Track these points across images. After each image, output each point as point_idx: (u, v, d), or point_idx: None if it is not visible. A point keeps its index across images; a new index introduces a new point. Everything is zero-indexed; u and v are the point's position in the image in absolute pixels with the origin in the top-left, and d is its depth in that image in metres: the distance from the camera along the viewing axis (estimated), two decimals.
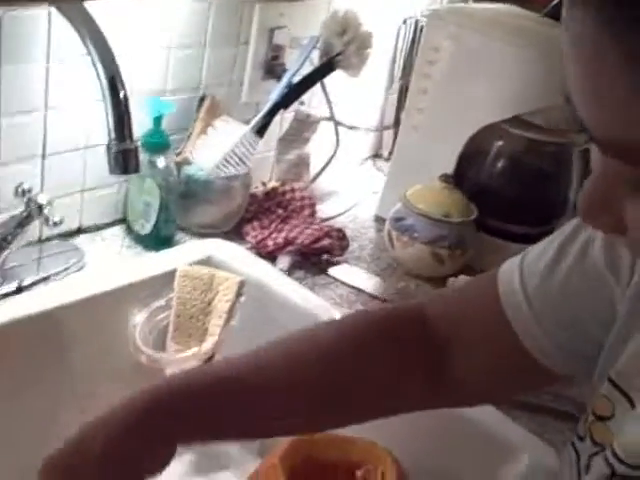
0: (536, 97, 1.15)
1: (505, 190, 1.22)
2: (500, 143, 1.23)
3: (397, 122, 1.46)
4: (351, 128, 1.41)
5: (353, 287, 1.10)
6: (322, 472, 0.82)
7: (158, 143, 1.06)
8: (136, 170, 0.80)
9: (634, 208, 0.42)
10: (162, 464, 0.62)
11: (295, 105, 1.24)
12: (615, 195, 0.43)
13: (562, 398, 0.94)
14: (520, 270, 0.66)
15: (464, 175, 1.22)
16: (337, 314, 1.01)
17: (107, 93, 0.73)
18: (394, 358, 0.68)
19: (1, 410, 0.87)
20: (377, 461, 0.81)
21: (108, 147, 0.76)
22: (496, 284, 0.67)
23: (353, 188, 1.39)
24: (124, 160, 0.77)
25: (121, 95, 0.73)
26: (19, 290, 0.94)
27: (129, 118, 0.75)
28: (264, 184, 1.25)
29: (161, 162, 1.06)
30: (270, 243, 1.11)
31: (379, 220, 1.29)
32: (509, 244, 1.19)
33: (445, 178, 1.16)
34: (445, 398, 0.71)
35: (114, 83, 0.73)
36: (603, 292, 0.60)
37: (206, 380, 0.64)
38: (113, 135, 0.74)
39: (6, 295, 0.93)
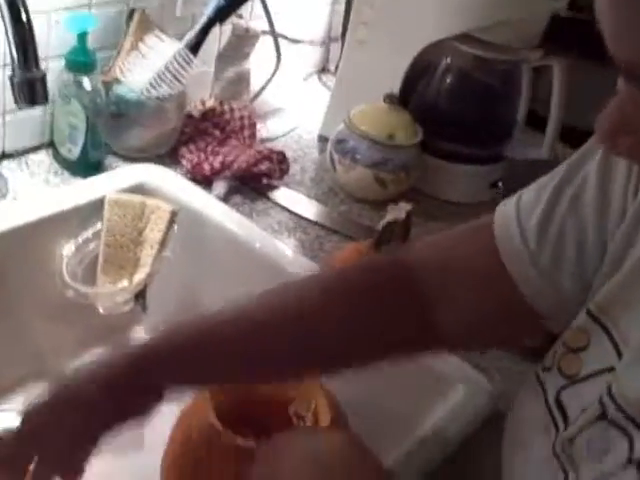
0: (486, 13, 1.10)
1: (452, 110, 1.18)
2: (448, 60, 1.18)
3: (344, 34, 1.39)
4: (294, 42, 1.34)
5: (293, 213, 1.06)
6: (254, 407, 0.80)
7: (83, 62, 0.99)
8: (44, 101, 0.74)
9: None
10: (149, 411, 0.63)
11: (233, 18, 1.17)
12: (637, 119, 0.44)
13: None
14: (517, 213, 0.63)
15: (410, 94, 1.17)
16: (276, 242, 0.98)
17: (6, 16, 0.66)
18: (382, 314, 0.67)
19: None
20: (310, 395, 0.79)
21: (11, 77, 0.70)
22: (490, 228, 0.64)
23: (297, 106, 1.34)
24: (30, 90, 0.71)
25: (23, 18, 0.67)
26: None
27: (33, 43, 0.69)
28: (203, 103, 1.19)
29: (87, 82, 0.99)
30: (206, 167, 1.06)
31: (323, 140, 1.24)
32: (455, 166, 1.16)
33: (390, 98, 1.11)
34: (436, 345, 0.70)
35: (13, 3, 0.66)
36: (595, 234, 0.59)
37: (189, 332, 0.65)
38: (16, 63, 0.68)
39: None
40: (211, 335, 0.65)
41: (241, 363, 0.65)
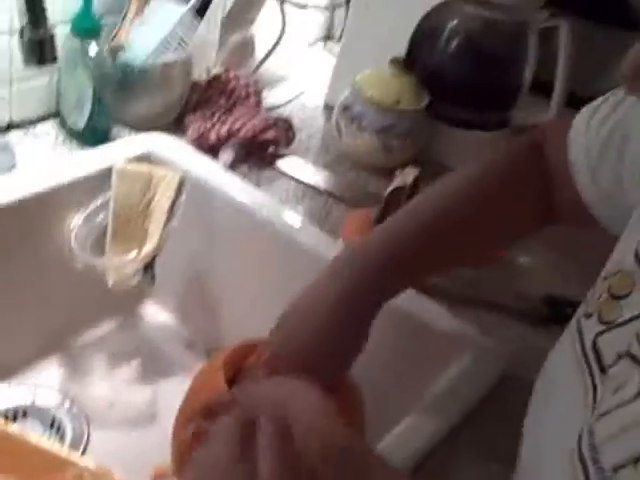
0: None
1: (458, 74, 1.16)
2: (454, 23, 1.16)
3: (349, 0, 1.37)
4: (300, 7, 1.33)
5: (300, 181, 1.06)
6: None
7: (88, 28, 0.98)
8: (53, 60, 0.73)
9: None
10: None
11: None
12: None
13: (522, 297, 0.93)
14: (588, 121, 0.70)
15: (416, 58, 1.16)
16: (283, 210, 0.98)
17: None
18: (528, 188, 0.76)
19: None
20: None
21: (21, 35, 0.69)
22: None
23: (302, 73, 1.33)
24: (39, 49, 0.70)
25: None
26: None
27: (41, 2, 0.67)
28: (208, 71, 1.18)
29: (93, 49, 0.98)
30: (212, 136, 1.06)
31: (328, 108, 1.24)
32: (462, 132, 1.16)
33: (396, 62, 1.10)
34: (558, 220, 0.78)
35: None
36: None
37: (410, 228, 0.72)
38: (25, 20, 0.67)
39: None
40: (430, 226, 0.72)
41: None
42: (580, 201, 0.71)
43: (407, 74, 1.11)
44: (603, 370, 0.57)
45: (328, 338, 0.68)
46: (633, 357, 0.53)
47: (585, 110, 0.71)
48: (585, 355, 0.59)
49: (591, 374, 0.58)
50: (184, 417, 0.74)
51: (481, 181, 0.77)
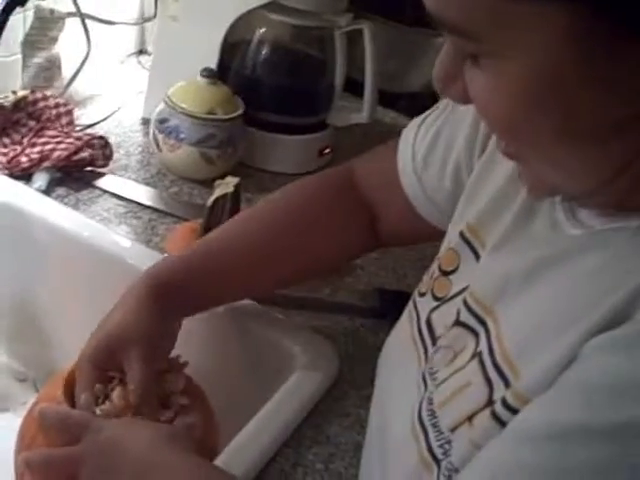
0: None
1: (270, 81, 1.18)
2: (262, 30, 1.18)
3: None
4: (107, 23, 1.30)
5: (122, 198, 1.04)
6: None
7: None
8: None
9: (472, 79, 0.47)
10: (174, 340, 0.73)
11: (34, 1, 1.12)
12: (460, 69, 0.48)
13: (339, 291, 0.96)
14: (415, 132, 0.74)
15: (229, 68, 1.17)
16: (105, 230, 0.96)
17: None
18: (337, 222, 0.81)
19: None
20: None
21: None
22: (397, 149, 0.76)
23: (116, 89, 1.30)
24: None
25: None
26: None
27: None
28: (14, 93, 1.13)
29: None
30: (24, 160, 1.01)
31: (146, 123, 1.22)
32: (281, 137, 1.18)
33: (207, 73, 1.10)
34: (382, 242, 0.84)
35: None
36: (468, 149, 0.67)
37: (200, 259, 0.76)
38: None
39: None
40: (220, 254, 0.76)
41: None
42: (409, 209, 0.75)
43: (220, 84, 1.12)
44: (435, 342, 0.60)
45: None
46: (464, 324, 0.57)
47: (413, 122, 0.76)
48: (420, 331, 0.63)
49: (425, 347, 0.62)
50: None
51: (292, 212, 0.81)
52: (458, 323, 0.58)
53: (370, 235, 0.82)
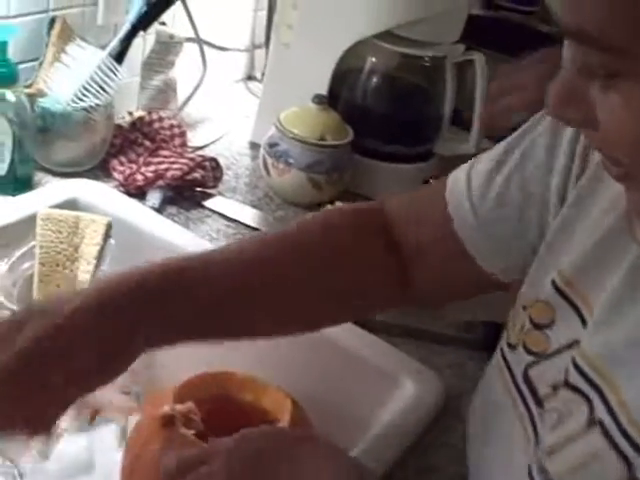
0: (407, 9, 1.12)
1: (380, 109, 1.19)
2: (373, 59, 1.19)
3: (268, 41, 1.39)
4: (220, 49, 1.34)
5: (230, 219, 1.05)
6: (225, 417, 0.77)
7: (4, 73, 0.96)
8: None
9: (603, 100, 0.44)
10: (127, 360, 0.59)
11: (156, 26, 1.16)
12: (585, 89, 0.45)
13: (445, 321, 0.94)
14: (468, 175, 0.67)
15: (338, 95, 1.18)
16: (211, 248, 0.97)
17: None
18: (362, 259, 0.70)
19: None
20: (278, 405, 0.76)
21: None
22: (445, 189, 0.69)
23: (226, 113, 1.33)
24: None
25: None
26: None
27: None
28: (130, 114, 1.17)
29: (11, 95, 0.97)
30: (139, 178, 1.05)
31: (254, 146, 1.24)
32: (387, 165, 1.18)
33: (319, 99, 1.12)
34: (408, 298, 0.73)
35: None
36: (542, 195, 0.62)
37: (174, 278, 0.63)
38: None
39: None
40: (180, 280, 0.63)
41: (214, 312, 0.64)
42: (457, 250, 0.68)
43: (330, 111, 1.13)
44: (539, 403, 0.57)
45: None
46: (573, 387, 0.54)
47: (460, 170, 0.70)
48: (518, 388, 0.59)
49: (527, 407, 0.58)
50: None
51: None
52: (567, 385, 0.54)
53: (399, 285, 0.71)
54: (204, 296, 0.63)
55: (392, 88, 1.21)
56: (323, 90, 1.15)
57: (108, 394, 1.03)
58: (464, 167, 0.69)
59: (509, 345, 0.62)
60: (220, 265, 0.65)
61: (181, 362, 0.98)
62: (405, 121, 1.20)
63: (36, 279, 0.91)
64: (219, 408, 0.74)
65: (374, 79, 1.19)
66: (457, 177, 0.69)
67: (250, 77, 1.48)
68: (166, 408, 0.70)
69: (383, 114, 1.19)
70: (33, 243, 0.92)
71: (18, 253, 0.92)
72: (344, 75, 1.18)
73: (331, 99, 1.14)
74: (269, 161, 1.12)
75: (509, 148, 0.66)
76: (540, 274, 0.61)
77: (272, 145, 1.12)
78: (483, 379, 0.67)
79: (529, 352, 0.59)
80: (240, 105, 1.37)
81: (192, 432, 0.68)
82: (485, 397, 0.66)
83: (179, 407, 0.70)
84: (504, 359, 0.62)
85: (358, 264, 0.69)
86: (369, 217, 0.73)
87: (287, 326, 0.69)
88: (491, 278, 0.68)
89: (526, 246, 0.65)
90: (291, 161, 1.10)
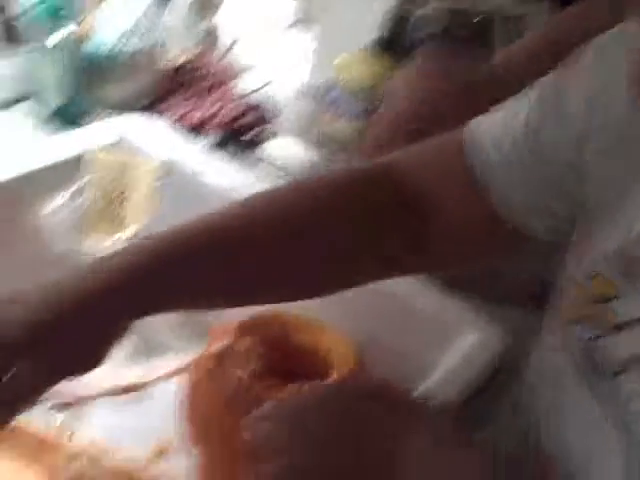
0: None
1: None
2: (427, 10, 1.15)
3: None
4: None
5: (281, 163, 1.04)
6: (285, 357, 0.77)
7: (57, 11, 0.95)
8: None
9: None
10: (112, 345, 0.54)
11: None
12: None
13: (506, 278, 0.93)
14: (487, 117, 0.62)
15: (395, 42, 1.14)
16: None
17: None
18: (370, 222, 0.62)
19: None
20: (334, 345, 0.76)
21: None
22: (461, 138, 0.62)
23: (278, 57, 1.30)
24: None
25: None
26: None
27: None
28: (177, 57, 1.15)
29: (63, 33, 0.95)
30: (191, 119, 1.03)
31: (306, 92, 1.22)
32: None
33: (375, 46, 1.09)
34: (424, 262, 0.66)
35: None
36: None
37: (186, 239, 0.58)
38: None
39: None
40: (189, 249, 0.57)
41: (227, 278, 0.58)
42: (478, 211, 0.62)
43: (386, 58, 1.10)
44: (611, 375, 0.54)
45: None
46: None
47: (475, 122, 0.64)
48: (585, 360, 0.56)
49: (597, 381, 0.55)
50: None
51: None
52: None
53: (414, 247, 0.64)
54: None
55: (443, 40, 1.17)
56: (380, 36, 1.12)
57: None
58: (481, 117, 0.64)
59: (570, 320, 0.58)
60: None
61: None
62: None
63: (87, 217, 0.90)
64: (278, 348, 0.73)
65: (428, 29, 1.16)
66: (476, 121, 0.63)
67: (302, 21, 1.44)
68: (226, 343, 0.70)
69: None
70: (83, 182, 0.91)
71: (68, 192, 0.91)
72: (401, 21, 1.15)
73: (387, 46, 1.11)
74: (321, 108, 1.10)
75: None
76: (595, 245, 0.57)
77: (324, 92, 1.10)
78: (542, 345, 0.65)
79: (593, 326, 0.55)
80: (293, 49, 1.34)
81: (251, 369, 0.67)
82: (547, 366, 0.63)
83: (240, 344, 0.69)
84: (567, 332, 0.59)
85: (371, 227, 0.62)
86: (379, 177, 0.65)
87: (298, 291, 0.64)
88: (519, 234, 0.62)
89: (564, 198, 0.59)
90: (342, 109, 1.08)
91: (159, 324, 1.02)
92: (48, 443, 0.74)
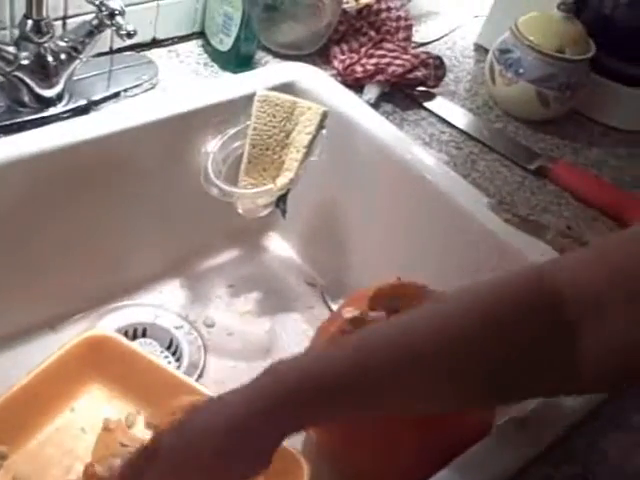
0: None
1: (630, 25, 1.05)
2: None
3: None
4: None
5: (447, 123, 1.00)
6: None
7: None
8: None
9: None
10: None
11: None
12: None
13: None
14: None
15: (585, 4, 1.06)
16: (426, 155, 0.92)
17: None
18: (530, 347, 0.54)
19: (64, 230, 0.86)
20: None
21: None
22: None
23: (455, 10, 1.25)
24: None
25: None
26: (88, 106, 0.88)
27: None
28: (358, 0, 1.12)
29: None
30: (359, 70, 1.01)
31: (480, 49, 1.16)
32: (627, 89, 1.06)
33: (565, 6, 1.01)
34: (578, 384, 0.56)
35: None
36: None
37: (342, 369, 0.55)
38: None
39: (74, 111, 0.87)
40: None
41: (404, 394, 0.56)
42: None
43: (575, 20, 1.02)
44: None
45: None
46: None
47: None
48: None
49: None
50: None
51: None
52: None
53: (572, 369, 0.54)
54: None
55: None
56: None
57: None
58: None
59: None
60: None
61: (372, 260, 0.97)
62: None
63: (245, 159, 0.91)
64: None
65: None
66: None
67: None
68: (356, 312, 0.69)
69: (633, 30, 1.06)
70: (247, 123, 0.91)
71: (232, 131, 0.92)
72: None
73: (576, 6, 1.03)
74: (497, 68, 1.04)
75: None
76: None
77: (503, 51, 1.03)
78: None
79: None
80: (471, 2, 1.28)
81: None
82: None
83: (373, 314, 0.68)
84: None
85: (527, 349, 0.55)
86: (533, 294, 0.56)
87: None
88: None
89: None
90: (521, 71, 1.01)
91: (286, 280, 1.03)
92: (172, 384, 0.77)
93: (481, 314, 0.55)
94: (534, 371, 0.55)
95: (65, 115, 0.86)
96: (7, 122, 0.83)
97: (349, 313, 0.69)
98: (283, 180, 0.89)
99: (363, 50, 1.04)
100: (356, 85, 1.01)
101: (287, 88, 0.95)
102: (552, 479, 0.63)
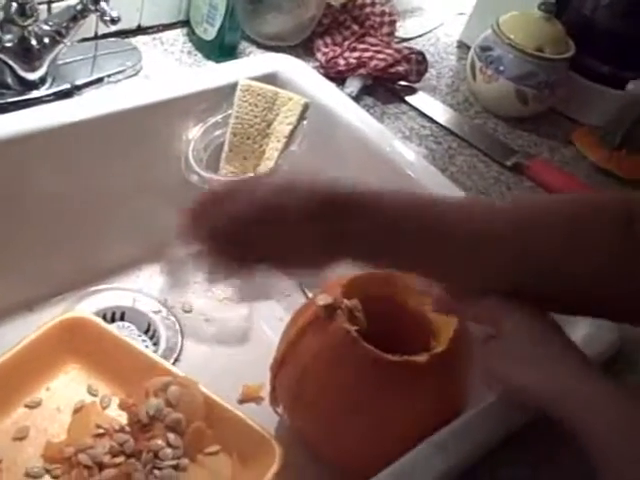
0: None
1: (609, 26, 1.07)
2: None
3: None
4: None
5: (427, 117, 1.01)
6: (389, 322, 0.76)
7: None
8: None
9: None
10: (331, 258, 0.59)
11: None
12: None
13: None
14: None
15: (566, 4, 1.08)
16: (405, 148, 0.94)
17: None
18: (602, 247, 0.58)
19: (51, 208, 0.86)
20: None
21: None
22: None
23: (438, 6, 1.26)
24: None
25: None
26: (71, 90, 0.89)
27: None
28: None
29: None
30: (341, 62, 1.02)
31: (462, 47, 1.18)
32: (605, 90, 1.07)
33: (546, 6, 1.03)
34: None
35: None
36: None
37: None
38: None
39: (57, 94, 0.87)
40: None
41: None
42: None
43: (555, 20, 1.04)
44: None
45: None
46: None
47: None
48: None
49: None
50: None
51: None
52: None
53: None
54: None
55: (627, 6, 1.09)
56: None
57: None
58: None
59: None
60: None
61: None
62: (635, 44, 1.08)
63: (226, 148, 0.92)
64: (381, 309, 0.72)
65: None
66: None
67: None
68: (329, 300, 0.70)
69: (612, 31, 1.07)
70: (229, 112, 0.92)
71: (213, 119, 0.93)
72: None
73: (558, 8, 1.05)
74: (477, 65, 1.05)
75: None
76: None
77: (484, 49, 1.05)
78: None
79: None
80: (455, 0, 1.29)
81: (355, 328, 0.67)
82: None
83: (346, 302, 0.69)
84: None
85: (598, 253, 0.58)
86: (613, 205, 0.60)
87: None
88: None
89: None
90: (502, 68, 1.03)
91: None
92: (146, 365, 0.78)
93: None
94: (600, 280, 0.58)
95: (48, 98, 0.87)
96: None
97: (322, 300, 0.70)
98: (262, 169, 0.90)
99: (346, 43, 1.05)
100: (338, 78, 1.02)
101: (270, 79, 0.96)
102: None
